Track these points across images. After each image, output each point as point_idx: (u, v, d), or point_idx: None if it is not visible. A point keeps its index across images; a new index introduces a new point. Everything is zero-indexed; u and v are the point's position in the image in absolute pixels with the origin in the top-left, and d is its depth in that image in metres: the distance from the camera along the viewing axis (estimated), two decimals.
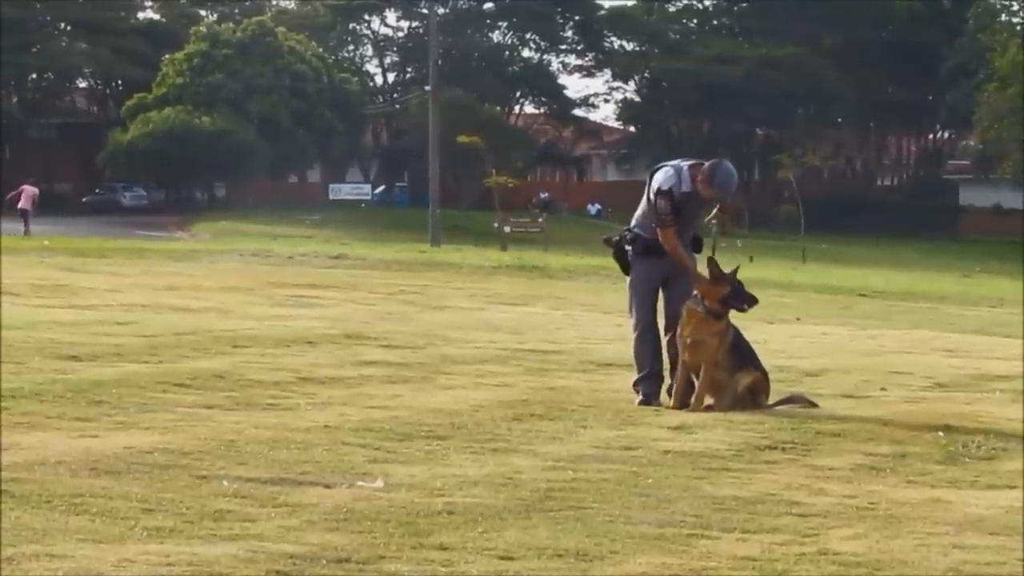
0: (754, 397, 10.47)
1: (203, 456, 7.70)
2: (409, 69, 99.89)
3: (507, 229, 60.55)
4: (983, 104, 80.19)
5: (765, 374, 10.64)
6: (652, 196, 10.72)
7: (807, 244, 62.84)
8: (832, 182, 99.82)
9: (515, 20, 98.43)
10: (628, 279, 11.07)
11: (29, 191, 53.86)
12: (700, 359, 10.41)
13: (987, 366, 14.39)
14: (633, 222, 11.04)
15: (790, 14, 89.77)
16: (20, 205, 53.04)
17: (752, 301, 10.66)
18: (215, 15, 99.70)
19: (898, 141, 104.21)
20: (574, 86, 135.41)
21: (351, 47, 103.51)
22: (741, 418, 9.99)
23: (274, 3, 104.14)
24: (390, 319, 17.73)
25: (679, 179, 10.66)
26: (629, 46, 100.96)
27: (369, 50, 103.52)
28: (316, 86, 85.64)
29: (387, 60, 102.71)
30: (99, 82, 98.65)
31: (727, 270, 10.71)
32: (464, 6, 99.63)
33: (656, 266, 10.86)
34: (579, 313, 21.13)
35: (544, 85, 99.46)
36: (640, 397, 10.68)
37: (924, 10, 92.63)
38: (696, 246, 11.04)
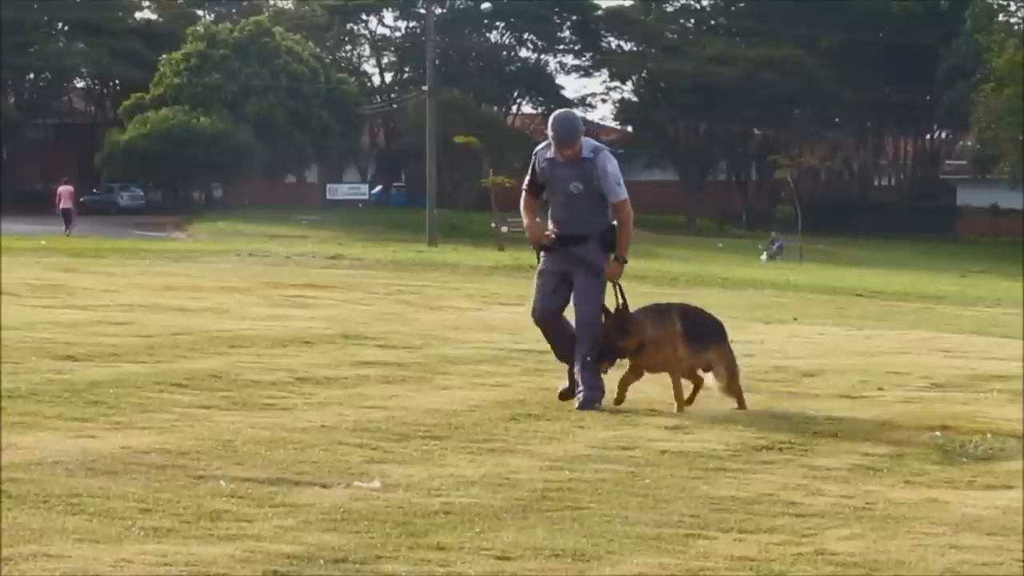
0: (729, 369, 10.40)
1: (200, 456, 7.69)
2: (406, 69, 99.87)
3: (504, 229, 60.51)
4: (980, 104, 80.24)
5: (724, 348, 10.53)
6: None
7: (804, 245, 62.87)
8: (829, 183, 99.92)
9: (512, 20, 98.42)
10: None
11: (67, 191, 55.32)
12: (664, 369, 10.35)
13: (984, 366, 14.38)
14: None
15: (787, 15, 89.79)
16: (62, 206, 54.41)
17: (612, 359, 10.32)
18: (212, 15, 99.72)
19: (895, 142, 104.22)
20: (571, 86, 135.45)
21: (348, 47, 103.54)
22: (738, 418, 10.00)
23: (271, 3, 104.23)
24: (387, 319, 17.72)
25: (546, 147, 10.55)
26: (627, 46, 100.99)
27: (366, 50, 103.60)
28: (313, 86, 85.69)
29: (384, 60, 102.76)
30: (96, 82, 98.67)
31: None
32: (461, 6, 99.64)
33: (554, 260, 10.50)
34: None
35: (541, 85, 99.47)
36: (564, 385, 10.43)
37: (921, 11, 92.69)
38: (605, 245, 10.46)
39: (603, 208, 10.46)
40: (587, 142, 10.48)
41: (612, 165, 10.46)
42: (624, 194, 10.46)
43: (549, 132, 10.42)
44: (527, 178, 10.70)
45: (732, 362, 10.54)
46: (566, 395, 10.39)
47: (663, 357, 10.27)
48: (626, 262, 10.49)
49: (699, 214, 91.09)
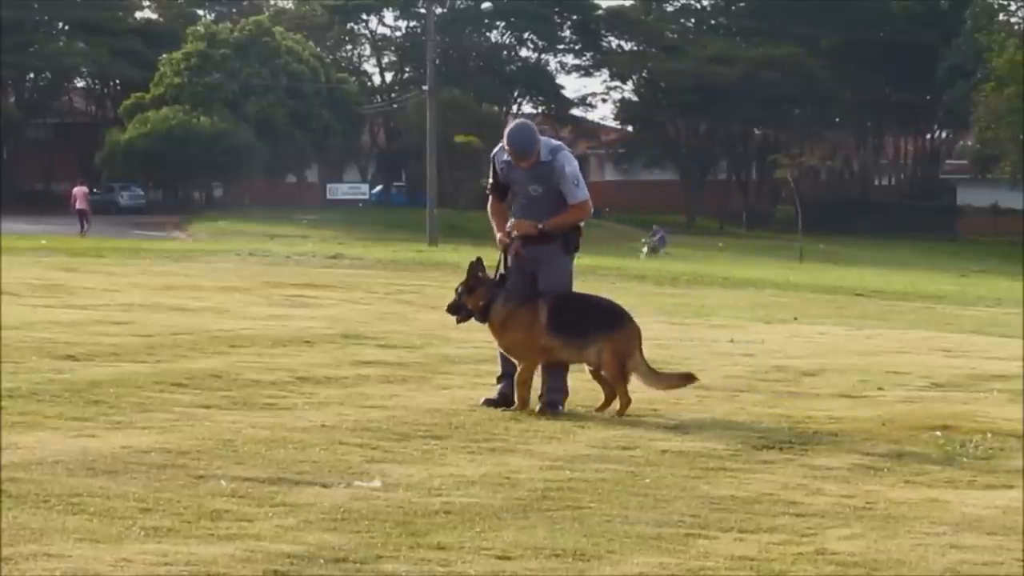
0: (620, 360, 9.98)
1: (200, 456, 7.70)
2: (407, 69, 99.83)
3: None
4: (980, 104, 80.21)
5: (624, 330, 10.11)
6: None
7: (804, 244, 62.87)
8: (830, 182, 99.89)
9: (513, 20, 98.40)
10: None
11: (82, 191, 56.61)
12: (518, 356, 10.07)
13: (984, 366, 14.38)
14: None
15: (787, 15, 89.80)
16: (77, 206, 55.48)
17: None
18: (212, 15, 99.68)
19: (896, 141, 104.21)
20: (572, 86, 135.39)
21: (349, 47, 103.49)
22: (738, 418, 10.00)
23: (272, 3, 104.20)
24: (387, 319, 17.73)
25: (502, 149, 10.34)
26: (627, 46, 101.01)
27: (367, 50, 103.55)
28: (314, 86, 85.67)
29: (385, 60, 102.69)
30: (97, 82, 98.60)
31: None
32: (462, 6, 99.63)
33: (520, 265, 10.39)
34: None
35: (542, 85, 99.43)
36: (495, 396, 10.20)
37: (921, 11, 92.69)
38: (571, 242, 10.39)
39: (565, 208, 10.30)
40: (546, 143, 10.28)
41: (571, 165, 10.24)
42: (582, 195, 10.29)
43: (505, 146, 10.21)
44: (490, 182, 10.59)
45: (622, 354, 9.99)
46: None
47: (518, 342, 10.00)
48: (540, 229, 10.21)
49: (699, 214, 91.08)
